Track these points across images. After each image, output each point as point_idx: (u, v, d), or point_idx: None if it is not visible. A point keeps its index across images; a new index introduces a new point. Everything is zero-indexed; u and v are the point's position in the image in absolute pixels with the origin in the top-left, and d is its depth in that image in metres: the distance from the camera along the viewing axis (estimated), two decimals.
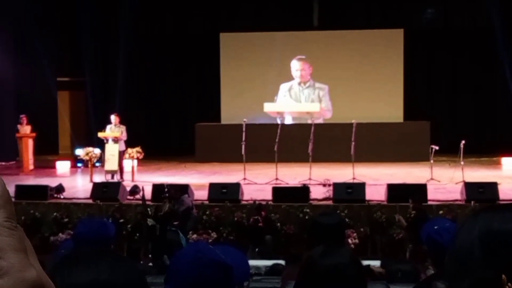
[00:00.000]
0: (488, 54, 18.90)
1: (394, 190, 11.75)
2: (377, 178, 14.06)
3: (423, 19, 20.17)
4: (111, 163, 14.83)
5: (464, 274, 1.13)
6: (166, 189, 11.08)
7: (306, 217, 11.14)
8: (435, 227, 3.76)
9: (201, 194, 12.15)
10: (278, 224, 11.08)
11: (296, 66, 20.12)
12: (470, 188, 11.67)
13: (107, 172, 14.93)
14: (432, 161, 14.29)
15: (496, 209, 1.20)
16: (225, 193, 11.92)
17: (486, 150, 18.04)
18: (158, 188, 12.04)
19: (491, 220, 1.15)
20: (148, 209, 11.04)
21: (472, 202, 11.28)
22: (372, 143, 17.26)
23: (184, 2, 19.87)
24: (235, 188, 12.15)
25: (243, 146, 14.58)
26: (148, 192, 11.99)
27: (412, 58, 19.57)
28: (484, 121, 19.44)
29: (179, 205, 11.09)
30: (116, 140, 14.92)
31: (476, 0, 18.43)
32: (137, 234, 11.28)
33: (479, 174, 14.86)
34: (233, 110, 19.67)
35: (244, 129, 14.85)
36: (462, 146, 13.93)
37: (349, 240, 10.17)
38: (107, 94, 19.66)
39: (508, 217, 1.15)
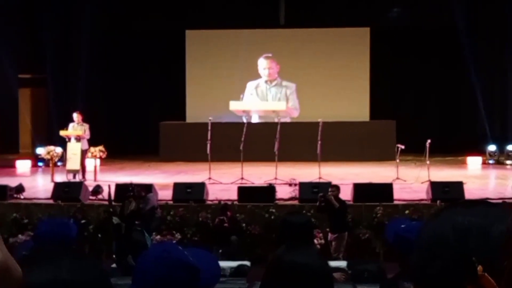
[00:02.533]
0: (453, 53, 19.00)
1: (360, 189, 11.70)
2: (343, 178, 13.99)
3: (389, 18, 20.21)
4: (73, 162, 14.52)
5: (435, 258, 1.19)
6: (130, 188, 10.87)
7: (272, 217, 11.02)
8: (402, 226, 3.74)
9: (165, 194, 11.95)
10: (244, 224, 10.93)
11: (263, 64, 20.00)
12: (436, 187, 11.67)
13: (69, 171, 14.62)
14: (398, 161, 14.29)
15: (460, 204, 1.26)
16: (190, 193, 11.73)
17: (451, 149, 18.14)
18: (121, 188, 11.80)
19: (455, 213, 1.21)
20: (111, 209, 10.86)
21: (438, 202, 11.28)
22: (338, 142, 17.23)
23: None
24: (200, 188, 11.97)
25: (208, 145, 14.40)
26: (111, 192, 11.73)
27: (378, 57, 19.60)
28: (450, 120, 19.55)
29: (144, 203, 10.89)
30: (78, 139, 14.62)
31: None
32: (99, 235, 11.04)
33: (444, 173, 14.91)
34: (198, 109, 19.46)
35: (209, 127, 14.67)
36: (427, 145, 13.94)
37: (315, 241, 10.05)
38: (70, 92, 19.27)
39: (471, 212, 1.21)
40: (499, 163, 17.56)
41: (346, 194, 11.88)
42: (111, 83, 20.19)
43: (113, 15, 19.77)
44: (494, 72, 19.02)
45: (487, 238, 1.16)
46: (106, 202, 11.15)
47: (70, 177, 14.49)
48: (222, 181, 13.96)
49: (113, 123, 20.02)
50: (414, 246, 1.28)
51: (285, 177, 13.63)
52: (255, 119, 19.42)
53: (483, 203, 1.26)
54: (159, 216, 11.02)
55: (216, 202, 11.50)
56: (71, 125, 14.88)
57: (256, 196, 11.62)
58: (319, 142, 14.50)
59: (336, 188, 10.17)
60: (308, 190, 11.76)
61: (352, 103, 19.47)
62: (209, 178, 13.86)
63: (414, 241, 1.32)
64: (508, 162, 17.46)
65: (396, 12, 20.46)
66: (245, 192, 11.82)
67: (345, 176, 14.51)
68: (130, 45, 20.14)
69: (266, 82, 20.05)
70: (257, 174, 14.49)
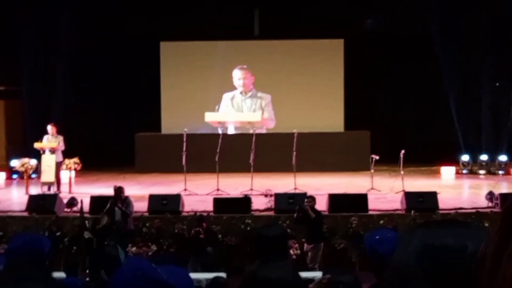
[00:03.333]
0: (427, 63, 19.20)
1: (336, 200, 11.79)
2: (318, 188, 14.06)
3: (363, 29, 20.40)
4: (47, 174, 14.41)
5: (402, 285, 1.18)
6: (114, 189, 10.91)
7: (248, 228, 11.05)
8: (377, 237, 3.75)
9: (140, 206, 11.91)
10: (220, 235, 10.94)
11: (238, 75, 20.05)
12: (410, 197, 11.79)
13: (44, 183, 14.50)
14: (372, 171, 14.40)
15: (431, 225, 1.25)
16: (166, 205, 11.72)
17: (425, 159, 18.30)
18: (96, 200, 11.76)
19: (427, 236, 1.20)
20: (86, 221, 10.81)
21: (412, 212, 11.40)
22: (314, 152, 17.31)
23: (124, 10, 19.56)
24: (175, 199, 11.97)
25: (183, 157, 14.41)
26: (86, 204, 11.69)
27: (353, 68, 19.75)
28: (424, 130, 19.73)
29: (126, 205, 10.90)
30: (53, 151, 14.52)
31: (415, 9, 18.70)
32: (74, 248, 10.97)
33: (418, 183, 15.06)
34: (174, 120, 19.45)
35: (184, 139, 14.68)
36: (401, 155, 14.08)
37: (291, 251, 10.10)
38: (44, 104, 19.12)
39: (443, 232, 1.20)
40: (472, 172, 17.77)
41: (321, 204, 11.95)
42: (86, 95, 20.09)
43: (88, 28, 19.68)
44: (468, 82, 19.26)
45: (461, 260, 1.15)
46: (84, 215, 11.10)
47: (44, 190, 14.38)
48: (198, 192, 13.96)
49: (89, 135, 19.90)
50: (387, 261, 1.27)
51: (261, 188, 13.66)
52: (231, 131, 19.45)
53: (455, 223, 1.25)
54: (132, 229, 11.00)
55: (192, 213, 11.50)
56: (45, 137, 14.78)
57: (232, 207, 11.65)
58: (294, 152, 14.58)
59: (312, 199, 10.24)
60: (284, 200, 11.82)
61: (327, 113, 19.59)
62: (185, 190, 13.86)
63: (385, 254, 1.33)
64: (481, 172, 17.67)
65: (370, 23, 20.65)
66: (221, 203, 11.85)
67: (321, 186, 14.59)
68: (105, 57, 20.06)
69: (241, 93, 20.10)
70: (233, 185, 14.51)
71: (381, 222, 11.17)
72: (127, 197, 11.18)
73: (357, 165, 17.09)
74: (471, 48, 18.91)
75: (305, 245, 10.12)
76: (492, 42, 18.60)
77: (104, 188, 14.37)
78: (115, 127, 20.24)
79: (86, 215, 11.21)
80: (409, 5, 18.50)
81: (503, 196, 11.66)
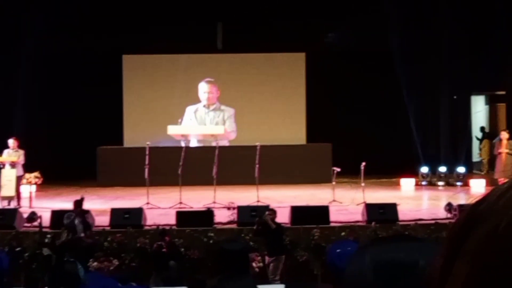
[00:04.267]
0: (387, 76, 19.48)
1: (298, 212, 11.89)
2: (281, 201, 14.16)
3: (324, 43, 20.65)
4: (7, 188, 14.24)
5: None
6: (80, 199, 10.84)
7: (211, 241, 11.06)
8: (338, 251, 3.80)
9: (102, 220, 11.84)
10: (182, 249, 10.93)
11: (204, 88, 20.07)
12: (371, 209, 11.96)
13: (3, 198, 14.32)
14: (334, 183, 14.55)
15: (383, 241, 1.26)
16: (128, 218, 11.68)
17: (386, 171, 18.54)
18: (57, 215, 11.65)
19: (378, 252, 1.19)
20: (46, 237, 10.71)
21: (373, 223, 11.55)
22: (276, 165, 17.41)
23: (86, 23, 19.46)
24: (137, 213, 11.94)
25: (146, 170, 14.37)
26: (46, 219, 11.59)
27: (314, 81, 19.96)
28: (384, 142, 19.96)
29: (88, 215, 10.85)
30: (13, 165, 14.36)
31: (375, 23, 19.01)
32: (35, 263, 10.84)
33: (379, 195, 15.26)
34: (136, 133, 19.38)
35: (147, 152, 14.65)
36: (362, 167, 14.26)
37: (254, 264, 10.14)
38: (5, 117, 18.86)
39: (394, 248, 1.20)
40: (431, 184, 18.05)
41: (284, 217, 12.04)
42: (48, 108, 19.89)
43: (50, 41, 19.53)
44: (427, 95, 19.60)
45: (412, 276, 1.14)
46: (43, 229, 10.99)
47: (4, 204, 14.19)
48: (161, 205, 13.93)
49: (50, 149, 19.66)
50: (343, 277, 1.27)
51: (224, 201, 13.68)
52: (193, 143, 19.45)
53: (407, 239, 1.26)
54: (92, 243, 10.93)
55: (155, 227, 11.48)
56: (6, 151, 14.61)
57: (195, 221, 11.65)
58: (257, 165, 14.67)
59: (273, 211, 10.32)
60: (247, 213, 11.87)
61: (289, 126, 19.75)
62: (147, 203, 13.81)
63: (345, 268, 1.34)
64: (439, 183, 17.97)
65: (331, 37, 20.92)
66: (183, 216, 11.85)
67: (283, 199, 14.68)
68: (66, 69, 19.92)
69: (204, 106, 20.13)
70: (196, 198, 14.51)
71: (343, 234, 11.29)
72: (88, 211, 11.13)
73: (319, 178, 17.23)
74: (429, 62, 19.30)
75: (266, 258, 10.17)
76: (449, 56, 19.02)
77: (65, 202, 14.21)
78: (77, 140, 20.03)
79: (47, 230, 11.11)
80: (369, 20, 18.80)
81: (461, 207, 11.90)
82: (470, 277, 0.57)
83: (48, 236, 10.67)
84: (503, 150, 15.79)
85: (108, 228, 11.59)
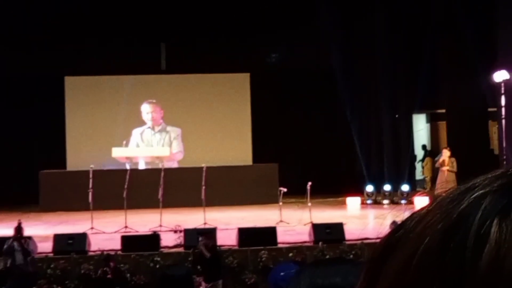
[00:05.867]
0: (331, 95, 19.73)
1: (245, 234, 11.84)
2: (228, 222, 14.08)
3: (268, 63, 20.78)
4: None
5: None
6: (17, 224, 10.58)
7: (157, 266, 10.91)
8: (281, 274, 3.80)
9: (45, 246, 11.55)
10: (128, 275, 10.74)
11: (146, 109, 19.91)
12: (318, 229, 12.00)
13: None
14: (281, 203, 14.56)
15: (319, 265, 1.28)
16: (71, 244, 11.43)
17: (332, 190, 18.65)
18: None
19: (315, 276, 1.20)
20: None
21: (320, 243, 11.59)
22: (223, 186, 17.34)
23: (27, 44, 19.11)
24: (81, 238, 11.69)
25: (90, 194, 14.11)
26: None
27: (259, 101, 20.03)
28: (329, 162, 20.16)
29: (27, 244, 10.56)
30: None
31: (318, 43, 19.25)
32: None
33: (326, 214, 15.33)
34: (79, 156, 19.03)
35: (91, 175, 14.40)
36: (309, 187, 14.33)
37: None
38: None
39: (331, 271, 1.21)
40: (377, 202, 18.26)
41: (231, 239, 11.98)
42: None
43: None
44: (369, 114, 19.91)
45: None
46: None
47: None
48: (106, 230, 13.66)
49: None
50: None
51: (171, 224, 13.53)
52: (141, 166, 19.20)
53: (343, 261, 1.28)
54: (33, 271, 10.65)
55: (99, 252, 11.25)
56: None
57: (140, 245, 11.49)
58: (203, 187, 14.58)
59: (206, 237, 10.27)
60: (194, 236, 11.73)
61: (235, 147, 19.73)
62: (92, 228, 13.54)
63: None
64: (384, 201, 18.20)
65: (274, 57, 21.08)
66: (128, 241, 11.66)
67: (230, 220, 14.61)
68: (7, 91, 19.49)
69: (150, 127, 19.96)
70: (142, 221, 14.29)
71: (290, 254, 11.30)
72: (29, 237, 10.84)
73: (266, 198, 17.22)
74: (370, 81, 19.66)
75: (203, 283, 10.01)
76: (389, 75, 19.39)
77: (6, 228, 13.81)
78: (18, 164, 19.58)
79: None
80: (311, 41, 19.04)
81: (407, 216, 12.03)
82: None
83: None
84: (445, 168, 16.10)
85: (51, 254, 11.31)
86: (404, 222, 0.58)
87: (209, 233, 10.89)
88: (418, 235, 0.54)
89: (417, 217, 0.57)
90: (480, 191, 0.54)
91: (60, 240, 11.57)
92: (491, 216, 0.52)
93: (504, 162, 16.10)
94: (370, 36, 19.32)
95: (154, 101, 19.88)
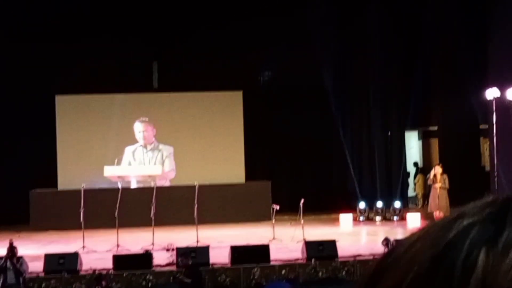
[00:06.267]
0: (323, 113, 19.76)
1: (238, 252, 11.80)
2: (221, 240, 14.02)
3: (260, 81, 20.82)
4: None
5: None
6: (9, 244, 10.52)
7: (150, 285, 10.85)
8: None
9: (36, 266, 11.47)
10: None
11: (138, 128, 19.85)
12: (310, 246, 11.97)
13: None
14: (273, 221, 14.53)
15: (311, 285, 1.21)
16: (63, 264, 11.35)
17: (324, 207, 18.64)
18: None
19: None
20: None
21: (313, 260, 11.55)
22: (215, 204, 17.30)
23: (17, 62, 19.09)
24: (73, 258, 11.62)
25: (81, 213, 14.04)
26: None
27: (252, 119, 20.02)
28: (322, 179, 20.16)
29: (19, 264, 10.49)
30: None
31: (309, 61, 19.30)
32: None
33: (318, 231, 15.29)
34: (71, 175, 18.93)
35: (82, 194, 14.34)
36: (301, 204, 14.31)
37: None
38: None
39: None
40: (369, 219, 18.25)
41: (224, 257, 11.93)
42: None
43: None
44: (361, 131, 19.96)
45: None
46: None
47: None
48: (97, 249, 13.58)
49: None
50: None
51: (163, 242, 13.46)
52: (133, 184, 19.12)
53: (335, 282, 1.30)
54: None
55: (91, 272, 11.17)
56: None
57: (133, 264, 11.43)
58: (196, 205, 14.54)
59: (185, 256, 10.24)
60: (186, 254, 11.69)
61: (228, 165, 19.68)
62: (83, 247, 13.45)
63: None
64: (377, 218, 18.18)
65: (267, 75, 21.14)
66: (120, 260, 11.59)
67: (223, 238, 14.54)
68: None
69: (142, 146, 19.91)
70: (134, 240, 14.22)
71: (283, 272, 11.26)
72: (20, 257, 10.77)
73: (259, 216, 17.19)
74: (363, 99, 19.73)
75: None
76: (382, 93, 19.48)
77: None
78: (8, 183, 19.45)
79: None
80: (303, 59, 19.10)
81: (398, 242, 12.02)
82: None
83: None
84: (437, 185, 16.11)
85: (42, 274, 11.22)
86: (394, 248, 0.59)
87: (186, 254, 10.85)
88: (407, 261, 0.55)
89: (407, 244, 0.57)
90: (469, 220, 0.54)
91: (51, 259, 11.50)
92: (478, 245, 0.52)
93: (496, 179, 16.14)
94: (363, 53, 19.43)
95: (146, 119, 19.83)
